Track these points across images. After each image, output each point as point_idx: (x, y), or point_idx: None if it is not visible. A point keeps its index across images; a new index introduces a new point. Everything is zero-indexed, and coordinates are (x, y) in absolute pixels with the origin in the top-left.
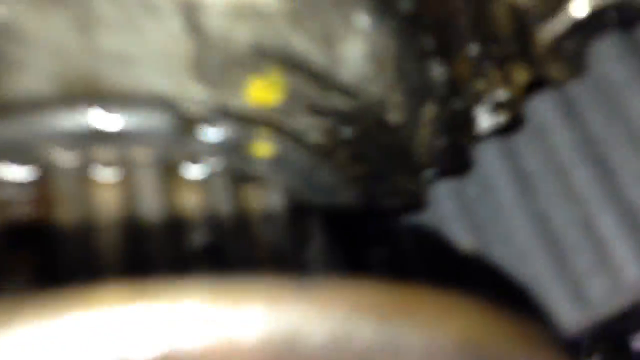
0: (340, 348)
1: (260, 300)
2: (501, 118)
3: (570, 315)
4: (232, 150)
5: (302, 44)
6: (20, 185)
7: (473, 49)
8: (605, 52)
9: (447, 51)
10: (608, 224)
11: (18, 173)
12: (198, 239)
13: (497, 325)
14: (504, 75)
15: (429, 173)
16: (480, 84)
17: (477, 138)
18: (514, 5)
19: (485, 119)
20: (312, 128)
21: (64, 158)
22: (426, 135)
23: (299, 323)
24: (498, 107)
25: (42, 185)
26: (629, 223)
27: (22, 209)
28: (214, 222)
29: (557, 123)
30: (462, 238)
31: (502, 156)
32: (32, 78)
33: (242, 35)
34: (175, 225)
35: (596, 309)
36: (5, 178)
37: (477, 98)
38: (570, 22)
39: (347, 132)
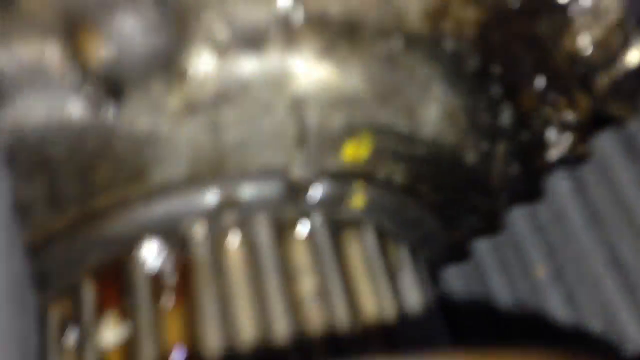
0: None
1: None
2: (570, 141)
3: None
4: (333, 204)
5: (388, 118)
6: (169, 255)
7: (539, 81)
8: None
9: (513, 92)
10: None
11: (166, 245)
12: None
13: None
14: (569, 101)
15: (503, 197)
16: (548, 111)
17: (549, 164)
18: (574, 52)
19: (555, 144)
20: (396, 172)
21: (199, 230)
22: (500, 166)
23: None
24: (566, 128)
25: (184, 253)
26: None
27: (171, 273)
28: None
29: (621, 159)
30: (537, 260)
31: (572, 186)
32: (173, 168)
33: (337, 118)
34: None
35: None
36: (157, 250)
37: (546, 124)
38: (627, 68)
39: (426, 170)
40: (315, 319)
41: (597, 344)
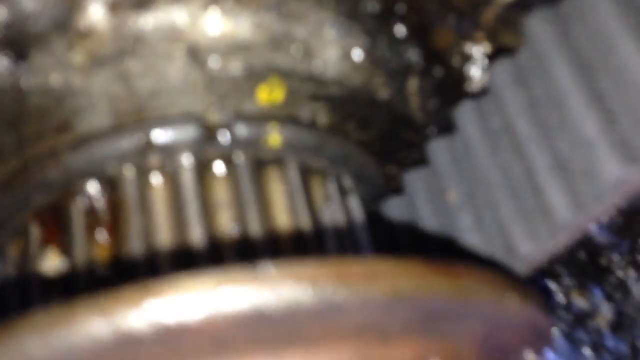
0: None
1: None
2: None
3: None
4: (251, 145)
5: (286, 62)
6: (98, 194)
7: (451, 20)
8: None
9: (421, 31)
10: None
11: (96, 186)
12: (228, 225)
13: (432, 277)
14: (486, 34)
15: (429, 130)
16: (466, 45)
17: (465, 96)
18: None
19: (477, 78)
20: (319, 112)
21: (127, 171)
22: (416, 101)
23: None
24: (488, 59)
25: (113, 193)
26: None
27: (101, 212)
28: (241, 210)
29: (512, 88)
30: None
31: (477, 117)
32: (96, 117)
33: (236, 64)
34: (210, 216)
35: None
36: (88, 191)
37: (465, 58)
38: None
39: (347, 109)
40: (231, 249)
41: (495, 262)
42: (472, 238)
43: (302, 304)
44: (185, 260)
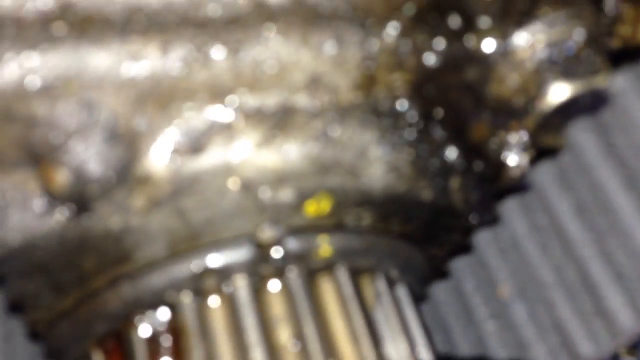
0: None
1: None
2: (527, 160)
3: None
4: (302, 257)
5: (334, 183)
6: (158, 322)
7: (485, 114)
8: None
9: (458, 131)
10: None
11: (157, 314)
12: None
13: None
14: (519, 122)
15: (472, 219)
16: (501, 135)
17: (506, 186)
18: (500, 96)
19: (515, 165)
20: (363, 216)
21: (185, 297)
22: (459, 197)
23: None
24: (524, 148)
25: (173, 320)
26: None
27: (163, 339)
28: (298, 324)
29: (556, 188)
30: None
31: (521, 211)
32: (153, 249)
33: (287, 191)
34: (269, 333)
35: None
36: (149, 319)
37: (501, 148)
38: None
39: (390, 210)
40: None
41: None
42: (527, 333)
43: None
44: None
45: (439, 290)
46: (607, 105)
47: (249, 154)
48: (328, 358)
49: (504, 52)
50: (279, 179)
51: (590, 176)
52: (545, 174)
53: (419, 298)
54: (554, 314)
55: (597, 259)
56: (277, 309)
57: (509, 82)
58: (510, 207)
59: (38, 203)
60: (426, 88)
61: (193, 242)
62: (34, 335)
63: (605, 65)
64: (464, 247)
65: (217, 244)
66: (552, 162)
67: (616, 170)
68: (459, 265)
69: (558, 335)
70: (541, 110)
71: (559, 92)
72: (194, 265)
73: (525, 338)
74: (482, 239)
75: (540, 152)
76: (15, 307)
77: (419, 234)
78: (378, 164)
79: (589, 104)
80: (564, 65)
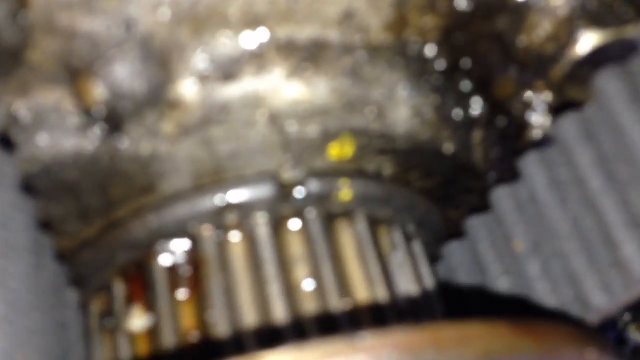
0: None
1: None
2: (550, 121)
3: None
4: (323, 200)
5: (360, 123)
6: (180, 253)
7: (512, 70)
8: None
9: (485, 84)
10: None
11: (179, 245)
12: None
13: (520, 337)
14: (546, 83)
15: (490, 178)
16: (528, 95)
17: (527, 145)
18: (532, 45)
19: (537, 126)
20: (384, 165)
21: (206, 230)
22: (480, 152)
23: None
24: (548, 109)
25: (194, 251)
26: None
27: (183, 270)
28: (316, 264)
29: (580, 142)
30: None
31: (543, 168)
32: (178, 180)
33: (313, 127)
34: (286, 271)
35: None
36: (170, 250)
37: (526, 107)
38: (578, 57)
39: (412, 161)
40: (309, 303)
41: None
42: (540, 287)
43: None
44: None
45: (454, 249)
46: (636, 55)
47: (279, 86)
48: (343, 298)
49: None
50: (307, 113)
51: (615, 125)
52: (568, 127)
53: (433, 258)
54: (569, 266)
55: (616, 209)
56: (296, 248)
57: (540, 30)
58: (530, 163)
59: (72, 121)
60: (456, 36)
61: (217, 176)
62: (61, 257)
63: (636, 15)
64: (482, 208)
65: (241, 180)
66: (576, 115)
67: None
68: (475, 223)
69: (571, 288)
70: (571, 59)
71: (589, 40)
72: (217, 199)
73: (538, 292)
74: (500, 195)
75: (565, 106)
76: (46, 225)
77: (438, 192)
78: (403, 107)
79: (618, 54)
80: (596, 13)
